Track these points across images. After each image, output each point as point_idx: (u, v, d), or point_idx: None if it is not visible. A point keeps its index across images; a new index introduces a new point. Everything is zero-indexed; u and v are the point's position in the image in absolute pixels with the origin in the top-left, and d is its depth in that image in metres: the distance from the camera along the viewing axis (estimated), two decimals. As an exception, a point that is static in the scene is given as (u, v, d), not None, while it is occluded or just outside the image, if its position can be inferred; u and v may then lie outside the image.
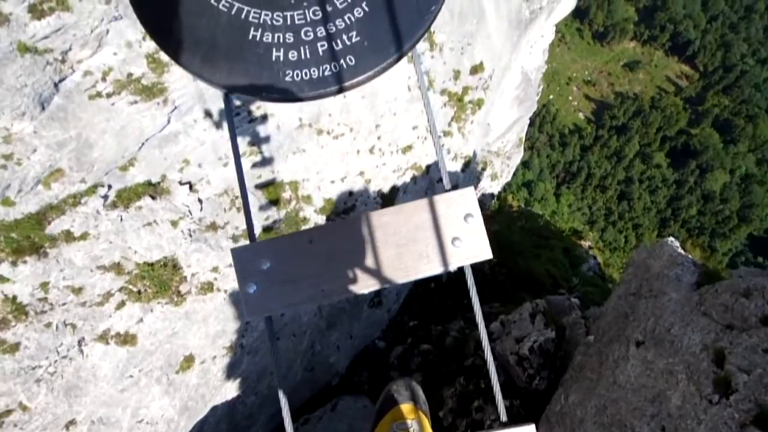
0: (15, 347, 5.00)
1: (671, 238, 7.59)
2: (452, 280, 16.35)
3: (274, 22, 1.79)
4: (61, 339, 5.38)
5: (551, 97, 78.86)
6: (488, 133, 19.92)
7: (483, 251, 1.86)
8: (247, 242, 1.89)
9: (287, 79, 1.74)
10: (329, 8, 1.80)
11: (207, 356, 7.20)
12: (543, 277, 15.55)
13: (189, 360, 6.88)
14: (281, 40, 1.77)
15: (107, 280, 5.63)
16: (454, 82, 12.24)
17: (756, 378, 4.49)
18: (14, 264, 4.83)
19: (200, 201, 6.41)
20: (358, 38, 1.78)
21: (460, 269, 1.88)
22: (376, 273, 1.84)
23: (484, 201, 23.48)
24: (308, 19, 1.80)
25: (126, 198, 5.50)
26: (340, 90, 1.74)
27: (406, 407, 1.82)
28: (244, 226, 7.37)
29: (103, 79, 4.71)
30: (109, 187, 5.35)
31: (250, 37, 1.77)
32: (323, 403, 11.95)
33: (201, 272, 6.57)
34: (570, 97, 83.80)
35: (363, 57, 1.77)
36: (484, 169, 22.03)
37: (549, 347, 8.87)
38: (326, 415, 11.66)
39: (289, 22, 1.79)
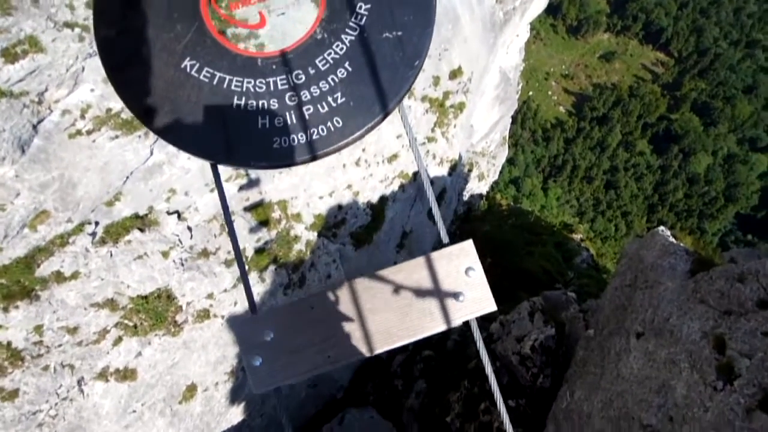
0: (14, 394, 4.92)
1: (662, 228, 7.63)
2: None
3: (257, 89, 1.77)
4: (60, 381, 5.31)
5: (531, 93, 79.51)
6: (472, 135, 20.04)
7: (487, 304, 1.85)
8: (247, 311, 1.87)
9: (275, 146, 1.73)
10: (312, 71, 1.79)
11: (209, 383, 7.13)
12: (538, 273, 15.60)
13: (191, 389, 6.80)
14: (266, 107, 1.75)
15: (102, 317, 5.56)
16: (434, 88, 12.31)
17: (758, 362, 4.51)
18: (6, 310, 4.76)
19: (189, 229, 6.37)
20: (344, 99, 1.77)
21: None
22: (382, 334, 1.82)
23: (472, 202, 23.57)
24: (291, 83, 1.78)
25: (114, 233, 5.44)
26: (329, 152, 1.74)
27: None
28: (236, 250, 7.35)
29: (82, 117, 4.68)
30: (96, 223, 5.30)
31: (234, 105, 1.75)
32: (329, 418, 11.87)
33: (196, 300, 6.51)
34: (549, 92, 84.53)
35: (350, 118, 1.76)
36: (470, 171, 22.13)
37: (550, 344, 8.88)
38: (334, 430, 11.59)
39: (272, 88, 1.77)
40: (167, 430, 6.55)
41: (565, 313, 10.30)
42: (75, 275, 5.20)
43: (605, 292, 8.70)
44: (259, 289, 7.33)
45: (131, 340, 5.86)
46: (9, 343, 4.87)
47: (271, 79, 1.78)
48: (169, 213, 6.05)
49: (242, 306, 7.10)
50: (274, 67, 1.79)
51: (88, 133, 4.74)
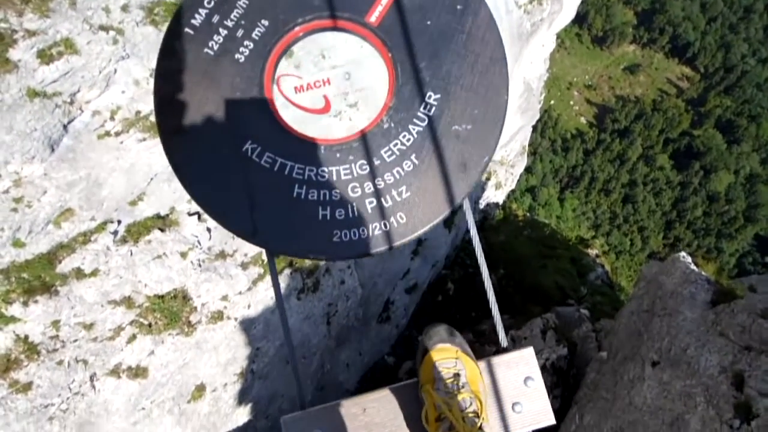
0: (27, 386, 4.98)
1: (683, 254, 7.53)
2: (459, 293, 16.30)
3: (319, 178, 1.71)
4: (73, 376, 5.36)
5: (552, 102, 78.96)
6: (492, 144, 19.90)
7: (546, 417, 1.79)
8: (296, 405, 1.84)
9: (335, 239, 1.67)
10: (377, 162, 1.73)
11: (218, 384, 7.16)
12: (551, 288, 15.48)
13: (200, 389, 6.84)
14: (327, 198, 1.69)
15: (118, 314, 5.61)
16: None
17: (778, 405, 4.42)
18: (25, 304, 4.82)
19: (209, 230, 6.41)
20: (409, 193, 1.71)
21: None
22: None
23: (488, 211, 23.45)
24: (355, 174, 1.72)
25: (136, 232, 5.49)
26: (390, 248, 1.69)
27: (445, 347, 1.72)
28: (253, 253, 7.38)
29: (112, 118, 4.72)
30: (119, 222, 5.35)
31: (295, 194, 1.70)
32: None
33: (211, 301, 6.55)
34: (571, 102, 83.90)
35: (414, 214, 1.70)
36: (488, 179, 22.02)
37: (562, 365, 8.80)
38: (338, 435, 11.56)
39: (335, 178, 1.71)
40: (174, 429, 6.59)
41: (578, 331, 10.21)
42: (95, 272, 5.25)
43: (620, 315, 8.60)
44: (272, 293, 7.34)
45: (145, 339, 5.90)
46: (26, 337, 4.93)
47: (333, 169, 1.72)
48: (189, 214, 6.09)
49: (255, 309, 7.15)
50: (337, 155, 1.73)
51: (117, 134, 4.78)
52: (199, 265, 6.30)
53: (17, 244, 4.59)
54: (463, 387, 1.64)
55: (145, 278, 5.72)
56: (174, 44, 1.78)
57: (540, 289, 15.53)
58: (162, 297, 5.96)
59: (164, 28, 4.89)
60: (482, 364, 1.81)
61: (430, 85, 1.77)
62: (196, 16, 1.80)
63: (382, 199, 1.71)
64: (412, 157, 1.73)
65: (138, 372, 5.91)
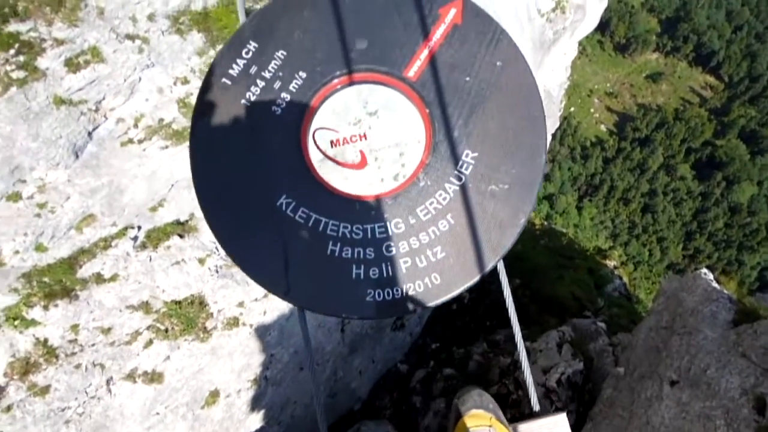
0: (45, 390, 5.04)
1: (705, 271, 7.39)
2: (474, 301, 16.19)
3: (354, 235, 1.70)
4: (90, 379, 5.42)
5: (572, 109, 78.35)
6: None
7: None
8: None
9: (368, 299, 1.65)
10: (412, 220, 1.72)
11: (232, 390, 7.19)
12: (568, 299, 15.31)
13: (214, 395, 6.87)
14: (361, 256, 1.68)
15: (136, 319, 5.66)
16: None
17: (801, 433, 4.31)
18: (46, 308, 4.88)
19: (227, 236, 6.43)
20: (444, 254, 1.69)
21: None
22: None
23: (506, 219, 23.23)
24: (390, 232, 1.71)
25: (155, 238, 5.54)
26: (423, 309, 1.69)
27: (479, 413, 1.72)
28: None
29: (135, 126, 4.77)
30: (139, 228, 5.40)
31: (329, 252, 1.69)
32: (345, 429, 11.85)
33: (227, 308, 6.58)
34: (591, 110, 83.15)
35: (449, 275, 1.67)
36: (506, 187, 21.84)
37: (577, 380, 8.69)
38: (349, 442, 11.54)
39: (369, 236, 1.70)
40: (188, 433, 6.63)
41: (594, 344, 10.07)
42: (114, 277, 5.30)
43: (638, 330, 8.46)
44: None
45: (161, 344, 5.95)
46: (46, 340, 5.00)
47: (368, 226, 1.71)
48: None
49: (270, 316, 7.16)
50: (372, 213, 1.73)
51: (140, 141, 4.83)
52: (217, 272, 6.33)
53: (39, 248, 4.65)
54: None
55: (164, 284, 5.77)
56: (211, 94, 1.78)
57: (556, 300, 15.36)
58: (179, 303, 6.00)
59: (189, 37, 4.96)
60: (518, 426, 1.79)
61: (467, 142, 1.76)
62: (234, 66, 1.80)
63: (417, 259, 1.68)
64: (448, 216, 1.72)
65: (153, 377, 5.95)
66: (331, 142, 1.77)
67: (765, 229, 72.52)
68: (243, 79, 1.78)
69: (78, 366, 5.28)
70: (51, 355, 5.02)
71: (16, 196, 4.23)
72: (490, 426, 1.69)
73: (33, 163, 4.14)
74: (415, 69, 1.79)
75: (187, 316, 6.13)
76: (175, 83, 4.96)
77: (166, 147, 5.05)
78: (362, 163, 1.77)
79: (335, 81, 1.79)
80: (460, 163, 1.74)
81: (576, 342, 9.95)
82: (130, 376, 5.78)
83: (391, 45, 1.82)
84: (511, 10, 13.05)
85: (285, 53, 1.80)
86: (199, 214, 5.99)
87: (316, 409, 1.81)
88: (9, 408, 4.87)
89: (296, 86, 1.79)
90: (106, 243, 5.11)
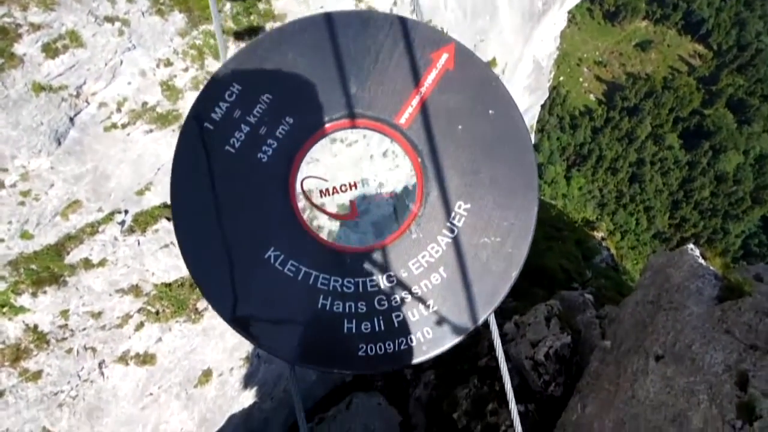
0: (37, 375, 5.05)
1: (691, 246, 7.48)
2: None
3: (345, 289, 1.65)
4: (82, 363, 5.43)
5: (561, 78, 77.90)
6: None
7: None
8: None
9: (360, 353, 1.61)
10: (404, 274, 1.66)
11: (224, 369, 7.25)
12: (556, 271, 15.49)
13: (207, 374, 6.93)
14: (353, 310, 1.63)
15: (126, 302, 5.65)
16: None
17: (781, 408, 4.43)
18: (34, 295, 4.85)
19: (215, 218, 6.40)
20: (436, 308, 1.65)
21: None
22: None
23: (495, 191, 23.30)
24: (382, 286, 1.66)
25: (143, 222, 5.49)
26: (415, 366, 1.64)
27: None
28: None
29: (118, 110, 4.67)
30: (126, 212, 5.34)
31: (319, 306, 1.64)
32: (337, 402, 12.03)
33: (217, 289, 6.58)
34: (581, 79, 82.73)
35: (440, 329, 1.65)
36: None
37: (565, 353, 8.85)
38: (340, 414, 11.73)
39: (361, 290, 1.65)
40: (182, 413, 6.70)
41: (581, 316, 10.22)
42: (102, 263, 5.27)
43: (625, 303, 8.59)
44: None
45: (153, 326, 5.96)
46: (35, 326, 4.98)
47: (360, 280, 1.66)
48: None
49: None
50: (363, 266, 1.67)
51: (123, 126, 4.74)
52: (206, 254, 6.31)
53: (25, 236, 4.60)
54: None
55: (153, 267, 5.74)
56: (192, 139, 1.69)
57: (545, 272, 15.53)
58: (169, 285, 5.99)
59: (171, 18, 4.82)
60: None
61: (459, 193, 1.72)
62: (216, 110, 1.71)
63: (410, 313, 1.65)
64: (441, 269, 1.68)
65: (146, 359, 5.98)
66: (320, 191, 1.72)
67: (749, 198, 73.41)
68: (226, 123, 1.70)
69: (69, 350, 5.28)
70: (41, 340, 5.01)
71: (-2, 185, 4.16)
72: None
73: (14, 151, 4.06)
74: (406, 116, 1.73)
75: (178, 298, 6.12)
76: (158, 65, 4.85)
77: (151, 131, 4.96)
78: (352, 214, 1.73)
79: (324, 127, 1.72)
80: (453, 214, 1.70)
81: (564, 315, 10.09)
82: (122, 359, 5.80)
83: (382, 90, 1.74)
84: (501, -19, 12.84)
85: (271, 97, 1.72)
86: (187, 196, 5.93)
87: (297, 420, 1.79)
88: (1, 394, 4.88)
89: (283, 132, 1.71)
90: (93, 228, 5.05)
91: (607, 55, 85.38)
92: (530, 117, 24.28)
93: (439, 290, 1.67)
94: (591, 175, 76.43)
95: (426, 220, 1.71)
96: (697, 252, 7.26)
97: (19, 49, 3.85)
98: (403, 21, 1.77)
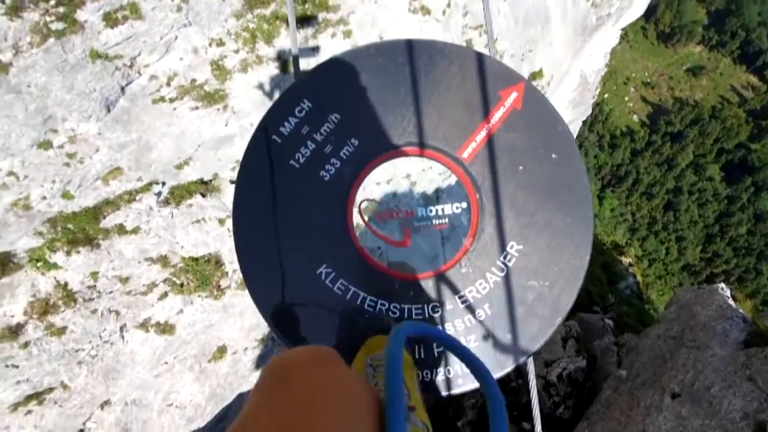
0: (62, 331, 5.20)
1: (722, 286, 7.29)
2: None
3: (391, 313, 1.66)
4: (105, 325, 5.58)
5: (606, 96, 76.45)
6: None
7: None
8: None
9: None
10: (450, 306, 1.66)
11: (239, 347, 7.36)
12: (579, 293, 15.23)
13: (222, 350, 7.05)
14: None
15: (153, 271, 5.78)
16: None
17: (798, 465, 4.30)
18: (68, 254, 5.00)
19: (248, 199, 6.49)
20: (477, 343, 1.66)
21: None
22: None
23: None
24: (426, 314, 1.66)
25: (178, 195, 5.60)
26: (451, 397, 1.65)
27: (378, 339, 1.64)
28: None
29: (168, 84, 4.77)
30: (163, 184, 5.45)
31: (364, 326, 1.66)
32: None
33: (242, 269, 6.68)
34: (626, 98, 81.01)
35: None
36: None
37: (578, 377, 8.73)
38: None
39: (406, 316, 1.66)
40: (193, 385, 6.83)
41: (599, 341, 10.07)
42: (136, 230, 5.39)
43: (646, 334, 8.43)
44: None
45: (176, 298, 6.08)
46: (66, 284, 5.13)
47: (406, 306, 1.66)
48: (231, 182, 6.17)
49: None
50: (411, 293, 1.67)
51: (171, 100, 4.83)
52: (235, 233, 6.41)
53: (66, 196, 4.73)
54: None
55: (183, 240, 5.86)
56: (259, 149, 1.72)
57: (566, 291, 15.28)
58: (196, 260, 6.10)
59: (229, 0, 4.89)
60: None
61: (513, 233, 1.71)
62: (286, 124, 1.74)
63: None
64: (485, 306, 1.68)
65: (165, 328, 6.11)
66: (377, 215, 1.76)
67: (788, 240, 71.11)
68: (293, 138, 1.72)
69: (94, 311, 5.43)
70: (70, 298, 5.16)
71: (46, 145, 4.29)
72: None
73: (66, 114, 4.18)
74: (469, 150, 1.72)
75: (203, 273, 6.24)
76: (210, 44, 4.92)
77: (197, 108, 5.05)
78: (405, 241, 1.75)
79: (388, 152, 1.73)
80: (505, 254, 1.69)
81: (582, 338, 9.95)
82: (143, 325, 5.94)
83: (449, 122, 1.74)
84: (557, -7, 12.65)
85: (339, 117, 1.74)
86: (224, 174, 6.03)
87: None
88: (26, 345, 5.05)
89: (347, 153, 1.72)
90: (130, 196, 5.18)
91: (656, 77, 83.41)
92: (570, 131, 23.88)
93: (482, 327, 1.68)
94: (625, 197, 74.90)
95: (477, 256, 1.71)
96: (727, 292, 7.07)
97: (81, 15, 3.96)
98: (476, 55, 1.77)
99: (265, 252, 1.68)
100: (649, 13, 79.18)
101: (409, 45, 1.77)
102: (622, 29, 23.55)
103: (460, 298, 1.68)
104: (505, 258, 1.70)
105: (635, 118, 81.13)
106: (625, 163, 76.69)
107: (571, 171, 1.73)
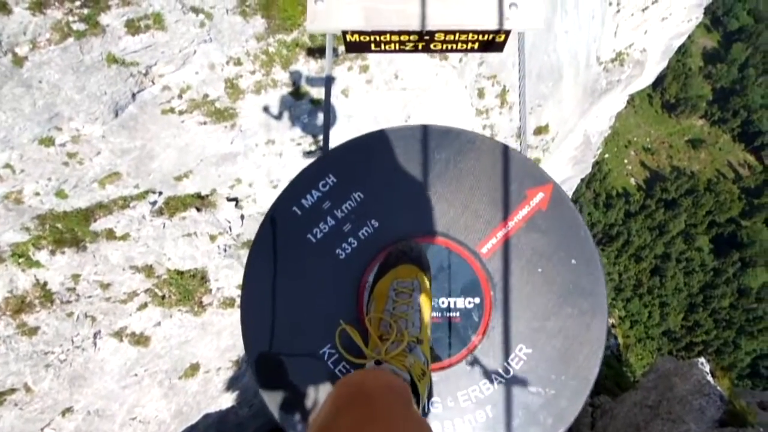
0: (33, 331, 5.06)
1: (702, 361, 7.26)
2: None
3: None
4: (79, 330, 5.43)
5: (606, 156, 77.55)
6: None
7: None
8: None
9: None
10: (451, 403, 1.65)
11: (212, 367, 7.19)
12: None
13: (194, 368, 6.88)
14: None
15: (136, 280, 5.67)
16: (515, 139, 12.11)
17: None
18: (53, 253, 4.89)
19: (242, 217, 6.43)
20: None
21: None
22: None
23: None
24: (426, 410, 1.65)
25: (173, 207, 5.54)
26: None
27: (408, 267, 1.62)
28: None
29: (179, 96, 4.76)
30: (160, 193, 5.40)
31: None
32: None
33: (226, 287, 6.57)
34: (625, 161, 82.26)
35: None
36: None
37: (551, 437, 8.56)
38: None
39: None
40: (160, 400, 6.64)
41: (575, 402, 9.93)
42: (125, 237, 5.31)
43: (623, 400, 8.32)
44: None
45: (155, 309, 5.96)
46: (45, 283, 5.01)
47: None
48: (228, 199, 6.12)
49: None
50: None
51: (180, 112, 4.82)
52: (225, 250, 6.32)
53: (60, 194, 4.66)
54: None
55: (171, 252, 5.77)
56: (278, 219, 1.72)
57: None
58: (181, 273, 6.00)
59: (252, 21, 4.93)
60: None
61: (524, 336, 1.67)
62: (308, 196, 1.73)
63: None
64: (487, 408, 1.63)
65: (140, 339, 5.96)
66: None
67: (769, 319, 71.40)
68: (314, 212, 1.71)
69: (70, 314, 5.30)
70: (47, 299, 5.04)
71: (48, 141, 4.24)
72: (415, 278, 1.63)
73: (73, 113, 4.14)
74: (489, 246, 1.70)
75: (186, 288, 6.13)
76: (227, 62, 4.94)
77: (205, 123, 5.03)
78: None
79: (407, 238, 1.69)
80: (512, 356, 1.65)
81: (558, 396, 9.80)
82: (118, 334, 5.80)
83: (472, 215, 1.72)
84: (572, 52, 12.92)
85: (362, 196, 1.72)
86: (222, 190, 5.99)
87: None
88: (-5, 341, 4.90)
89: (366, 234, 1.71)
90: (125, 202, 5.11)
91: (657, 144, 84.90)
92: (567, 188, 24.12)
93: (481, 429, 1.62)
94: (614, 257, 75.21)
95: (484, 354, 1.67)
96: (707, 368, 7.03)
97: (104, 19, 3.96)
98: (506, 151, 1.76)
99: (271, 320, 1.66)
100: (657, 83, 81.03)
101: (441, 132, 1.77)
102: (630, 95, 24.05)
103: (462, 395, 1.63)
104: (512, 360, 1.66)
105: (632, 181, 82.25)
106: (618, 223, 77.29)
107: (590, 279, 1.70)
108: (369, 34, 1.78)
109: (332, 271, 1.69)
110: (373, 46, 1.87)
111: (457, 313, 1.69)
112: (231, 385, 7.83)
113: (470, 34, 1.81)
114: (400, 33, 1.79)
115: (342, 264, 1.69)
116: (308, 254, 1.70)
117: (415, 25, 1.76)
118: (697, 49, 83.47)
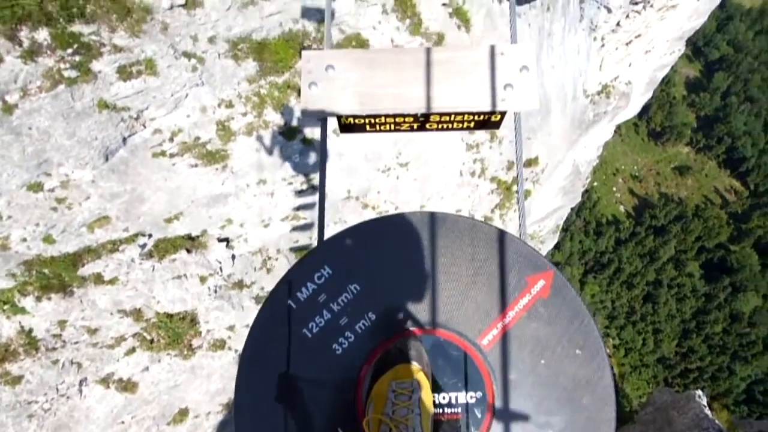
0: (17, 380, 4.91)
1: (700, 393, 7.19)
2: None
3: None
4: (64, 377, 5.28)
5: (595, 184, 78.28)
6: (527, 218, 19.70)
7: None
8: None
9: None
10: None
11: (202, 411, 7.00)
12: None
13: (183, 413, 6.69)
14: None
15: (124, 325, 5.55)
16: (505, 172, 12.17)
17: None
18: (38, 299, 4.79)
19: (233, 257, 6.34)
20: None
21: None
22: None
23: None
24: None
25: (163, 249, 5.46)
26: None
27: (406, 367, 1.56)
28: (269, 287, 7.28)
29: (171, 140, 4.73)
30: (150, 236, 5.32)
31: None
32: None
33: (216, 329, 6.44)
34: (614, 189, 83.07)
35: None
36: (515, 251, 21.66)
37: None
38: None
39: None
40: (148, 448, 6.43)
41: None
42: (113, 281, 5.21)
43: (621, 436, 8.19)
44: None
45: (143, 354, 5.81)
46: (30, 331, 4.89)
47: None
48: (219, 240, 6.05)
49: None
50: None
51: (171, 155, 4.79)
52: (215, 291, 6.22)
53: (47, 240, 4.58)
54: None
55: (160, 295, 5.66)
56: (272, 314, 1.67)
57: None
58: (171, 316, 5.88)
59: (244, 64, 4.95)
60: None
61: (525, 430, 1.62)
62: (303, 289, 1.69)
63: None
64: None
65: (128, 385, 5.80)
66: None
67: (761, 343, 71.14)
68: (309, 306, 1.66)
69: (56, 362, 5.15)
70: (32, 346, 4.90)
71: (37, 187, 4.18)
72: (414, 378, 1.55)
73: (62, 159, 4.10)
74: (489, 337, 1.65)
75: (176, 331, 5.99)
76: (219, 105, 4.94)
77: (196, 165, 5.00)
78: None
79: (405, 331, 1.66)
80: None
81: None
82: (105, 381, 5.63)
83: (472, 305, 1.67)
84: (558, 86, 13.13)
85: (358, 288, 1.68)
86: (212, 231, 5.92)
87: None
88: (-24, 391, 4.74)
89: (363, 327, 1.66)
90: (113, 246, 5.03)
91: (645, 172, 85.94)
92: (558, 217, 24.23)
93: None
94: (606, 284, 75.21)
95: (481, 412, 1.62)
96: (704, 400, 6.97)
97: (96, 66, 3.95)
98: (507, 238, 1.73)
99: (267, 416, 1.60)
100: (643, 112, 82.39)
101: (438, 219, 1.74)
102: (617, 125, 24.41)
103: None
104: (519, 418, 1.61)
105: (621, 208, 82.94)
106: (609, 251, 77.56)
107: (595, 371, 1.64)
108: (364, 117, 1.77)
109: (329, 367, 1.64)
110: (368, 127, 1.86)
111: (459, 409, 1.63)
112: (221, 429, 7.61)
113: (466, 115, 1.80)
114: (395, 116, 1.78)
115: (339, 359, 1.64)
116: (303, 349, 1.64)
117: (411, 109, 1.75)
118: (680, 78, 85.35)
